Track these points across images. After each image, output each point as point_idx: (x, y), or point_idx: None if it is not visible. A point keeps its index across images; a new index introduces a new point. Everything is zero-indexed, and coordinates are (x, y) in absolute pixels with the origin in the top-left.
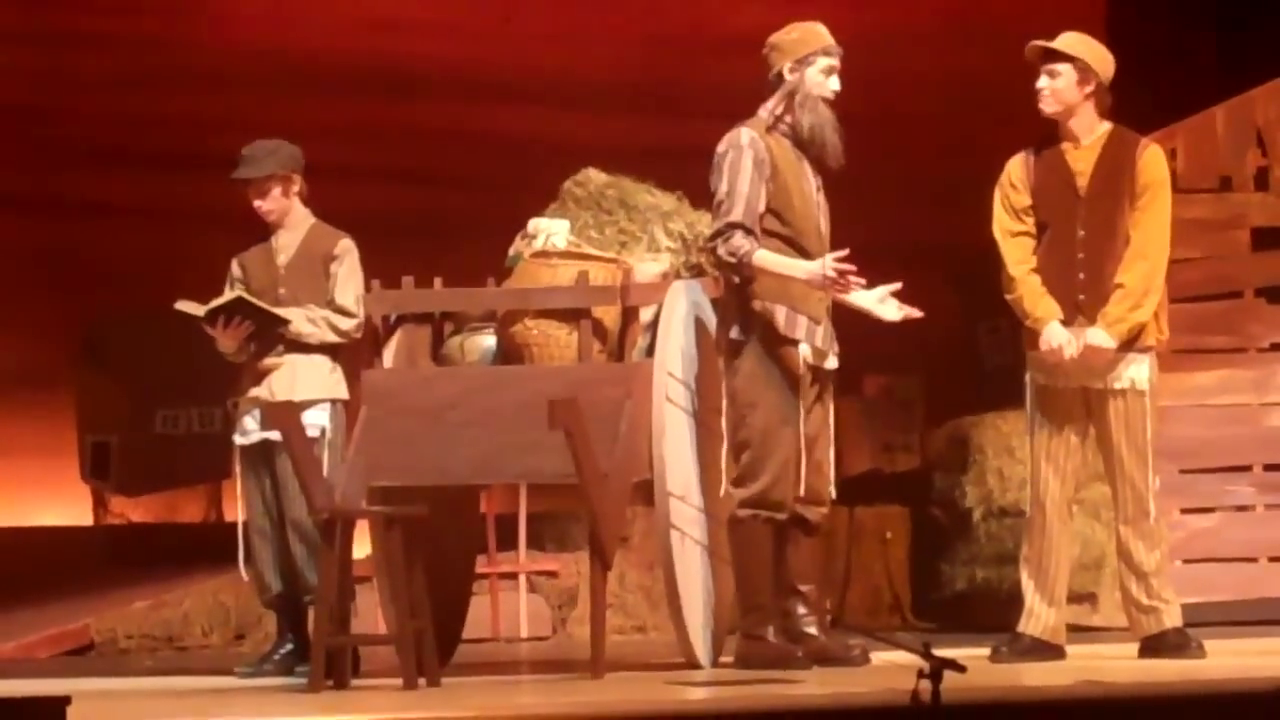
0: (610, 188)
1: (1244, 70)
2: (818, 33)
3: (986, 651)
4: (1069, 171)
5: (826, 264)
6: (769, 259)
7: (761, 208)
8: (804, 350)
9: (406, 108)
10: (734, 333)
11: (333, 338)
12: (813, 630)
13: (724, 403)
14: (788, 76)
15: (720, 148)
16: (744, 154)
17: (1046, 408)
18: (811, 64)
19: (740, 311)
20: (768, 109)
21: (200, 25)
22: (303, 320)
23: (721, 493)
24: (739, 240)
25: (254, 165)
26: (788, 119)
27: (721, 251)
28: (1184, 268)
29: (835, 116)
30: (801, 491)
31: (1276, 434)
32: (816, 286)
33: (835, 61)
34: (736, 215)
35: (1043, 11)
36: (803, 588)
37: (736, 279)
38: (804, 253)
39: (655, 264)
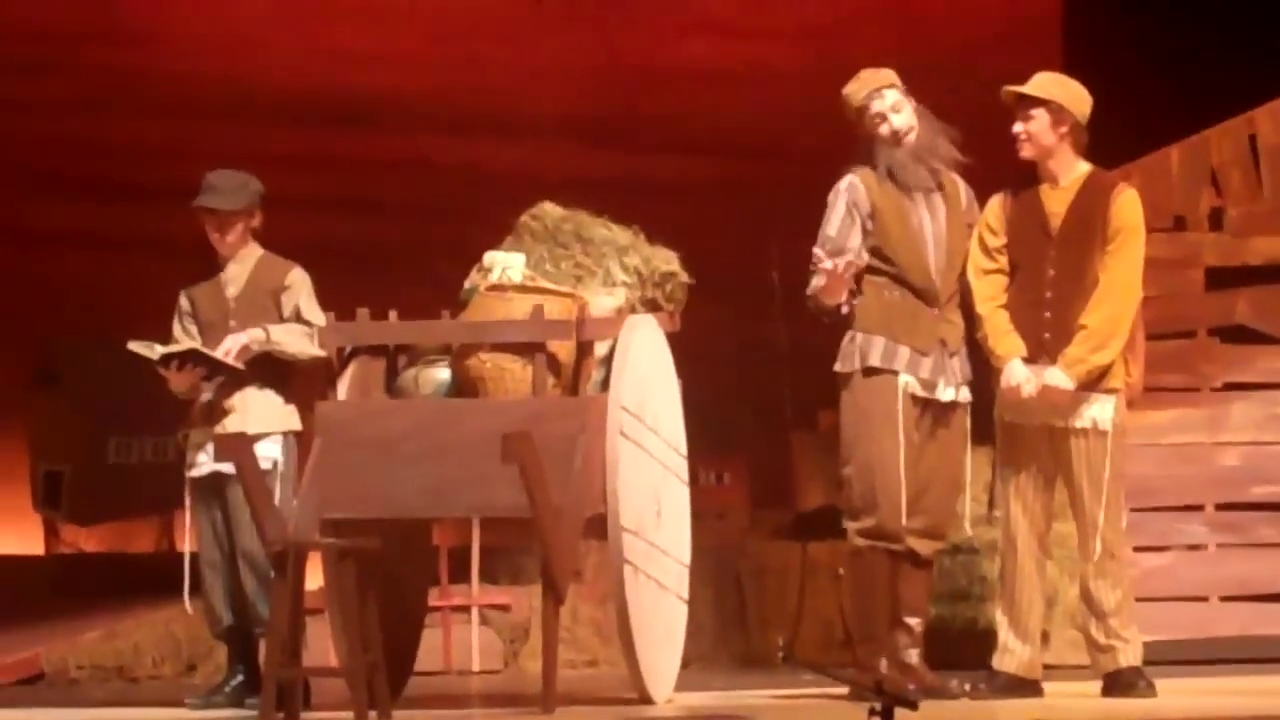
0: (566, 221)
1: (1199, 110)
2: (868, 78)
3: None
4: (1043, 213)
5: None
6: (815, 284)
7: (852, 246)
8: (905, 381)
9: (361, 138)
10: (837, 366)
11: (315, 351)
12: (915, 662)
13: (839, 435)
14: (860, 124)
15: (830, 197)
16: (840, 198)
17: (1014, 445)
18: (867, 110)
19: (844, 345)
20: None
21: (154, 54)
22: (281, 330)
23: (845, 524)
24: (815, 280)
25: (225, 198)
26: (876, 162)
27: (809, 291)
28: (1139, 306)
29: (918, 145)
30: (918, 525)
31: (1229, 473)
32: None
33: (895, 94)
34: (817, 254)
35: (998, 49)
36: (909, 620)
37: (825, 319)
38: (911, 288)
39: (610, 298)
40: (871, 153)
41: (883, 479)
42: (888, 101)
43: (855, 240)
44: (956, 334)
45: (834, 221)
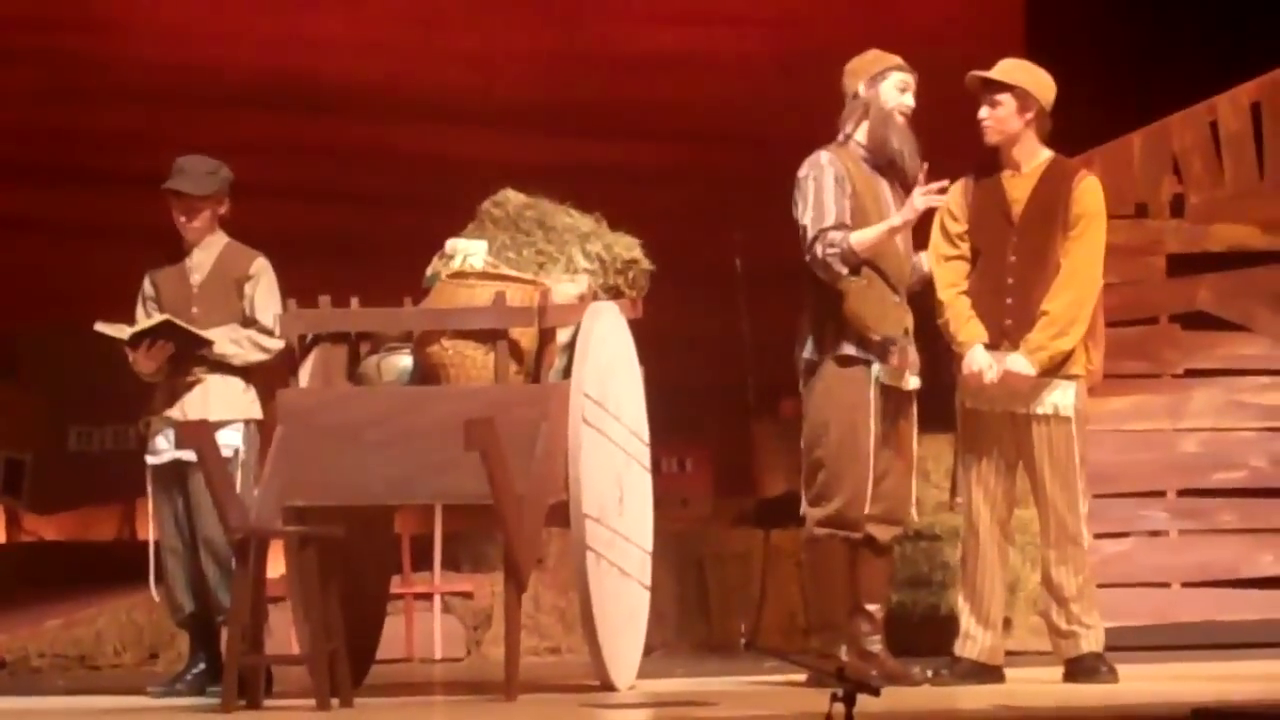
0: (528, 208)
1: (1161, 97)
2: (890, 55)
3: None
4: (1005, 199)
5: (915, 198)
6: (866, 233)
7: (847, 219)
8: (876, 370)
9: (324, 125)
10: (807, 353)
11: (258, 356)
12: (877, 649)
13: (804, 422)
14: (862, 94)
15: (801, 172)
16: (825, 172)
17: (975, 431)
18: (885, 79)
19: (813, 331)
20: (844, 130)
21: (118, 41)
22: (226, 342)
23: (802, 511)
24: (834, 234)
25: (195, 182)
26: (861, 135)
27: (819, 250)
28: (1100, 293)
29: (912, 134)
30: (877, 511)
31: (1190, 459)
32: (913, 218)
33: (909, 78)
34: (828, 221)
35: (961, 37)
36: (869, 607)
37: (845, 270)
38: (882, 273)
39: (573, 285)
40: (851, 130)
41: (850, 468)
42: (909, 77)
43: (848, 214)
44: (912, 322)
45: (828, 195)
